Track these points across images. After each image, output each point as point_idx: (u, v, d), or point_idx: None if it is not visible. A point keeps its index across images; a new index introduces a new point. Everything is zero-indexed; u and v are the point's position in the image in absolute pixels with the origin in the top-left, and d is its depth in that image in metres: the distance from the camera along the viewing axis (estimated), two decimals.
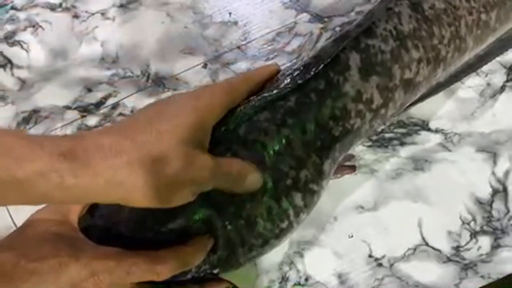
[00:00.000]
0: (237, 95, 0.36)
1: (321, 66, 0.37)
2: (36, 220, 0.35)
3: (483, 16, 0.42)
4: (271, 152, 0.35)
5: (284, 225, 0.36)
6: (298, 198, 0.36)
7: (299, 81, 0.36)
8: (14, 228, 0.44)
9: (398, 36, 0.39)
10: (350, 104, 0.37)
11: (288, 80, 0.37)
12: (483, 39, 0.44)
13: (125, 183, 0.29)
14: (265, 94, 0.37)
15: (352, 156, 0.45)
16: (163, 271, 0.32)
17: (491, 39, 0.45)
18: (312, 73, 0.37)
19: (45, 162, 0.27)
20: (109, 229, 0.36)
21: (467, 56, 0.44)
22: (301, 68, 0.38)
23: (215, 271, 0.36)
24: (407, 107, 0.42)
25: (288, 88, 0.36)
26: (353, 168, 0.44)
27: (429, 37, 0.40)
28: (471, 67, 0.46)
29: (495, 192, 0.44)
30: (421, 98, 0.43)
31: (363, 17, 0.40)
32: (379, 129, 0.46)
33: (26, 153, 0.28)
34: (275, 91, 0.37)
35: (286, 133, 0.36)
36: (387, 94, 0.39)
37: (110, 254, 0.32)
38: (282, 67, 0.40)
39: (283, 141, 0.35)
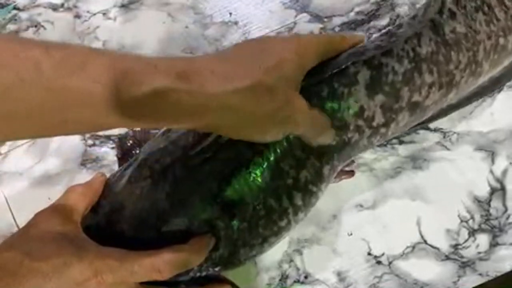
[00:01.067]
0: (332, 50, 0.37)
1: (327, 75, 0.36)
2: (40, 220, 0.35)
3: (501, 40, 0.40)
4: (272, 150, 0.36)
5: (283, 223, 0.36)
6: (298, 198, 0.36)
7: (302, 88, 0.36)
8: (16, 228, 0.45)
9: (415, 58, 0.37)
10: (350, 118, 0.37)
11: None
12: (498, 63, 0.42)
13: (234, 108, 0.30)
14: None
15: (351, 161, 0.45)
16: (166, 271, 0.32)
17: (506, 62, 0.43)
18: (316, 80, 0.36)
19: (162, 82, 0.29)
20: (112, 227, 0.36)
21: (481, 80, 0.42)
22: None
23: (217, 269, 0.37)
24: (413, 127, 0.42)
25: None
26: (351, 173, 0.44)
27: (445, 62, 0.38)
28: (486, 89, 0.44)
29: (493, 190, 0.44)
30: (430, 120, 0.42)
31: (385, 36, 0.39)
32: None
33: (144, 73, 0.29)
34: None
35: None
36: (390, 115, 0.38)
37: (113, 254, 0.33)
38: None
39: (284, 140, 0.36)
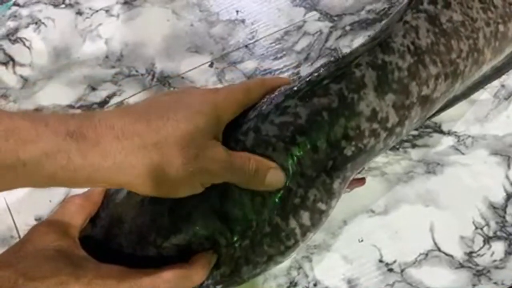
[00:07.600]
0: (253, 96, 0.37)
1: (326, 82, 0.36)
2: (36, 235, 0.34)
3: (501, 27, 0.41)
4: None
5: (290, 243, 0.35)
6: (305, 218, 0.35)
7: (307, 98, 0.35)
8: (16, 231, 0.44)
9: (416, 52, 0.37)
10: (364, 123, 0.36)
11: (297, 90, 0.36)
12: (500, 51, 0.42)
13: (136, 167, 0.29)
14: (272, 104, 0.36)
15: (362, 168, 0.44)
16: None
17: (508, 50, 0.44)
18: (320, 88, 0.35)
19: (51, 142, 0.27)
20: (111, 241, 0.35)
21: (485, 69, 0.42)
22: (309, 80, 0.36)
23: (218, 287, 0.35)
24: (422, 122, 0.41)
25: (297, 102, 0.35)
26: (362, 181, 0.43)
27: (447, 52, 0.38)
28: (489, 79, 0.45)
29: (509, 196, 0.43)
30: (437, 112, 0.42)
31: (378, 30, 0.39)
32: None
33: (31, 133, 0.27)
34: (283, 103, 0.36)
35: (295, 151, 0.34)
36: (403, 112, 0.37)
37: (112, 273, 0.31)
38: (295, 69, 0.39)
39: (293, 159, 0.34)
